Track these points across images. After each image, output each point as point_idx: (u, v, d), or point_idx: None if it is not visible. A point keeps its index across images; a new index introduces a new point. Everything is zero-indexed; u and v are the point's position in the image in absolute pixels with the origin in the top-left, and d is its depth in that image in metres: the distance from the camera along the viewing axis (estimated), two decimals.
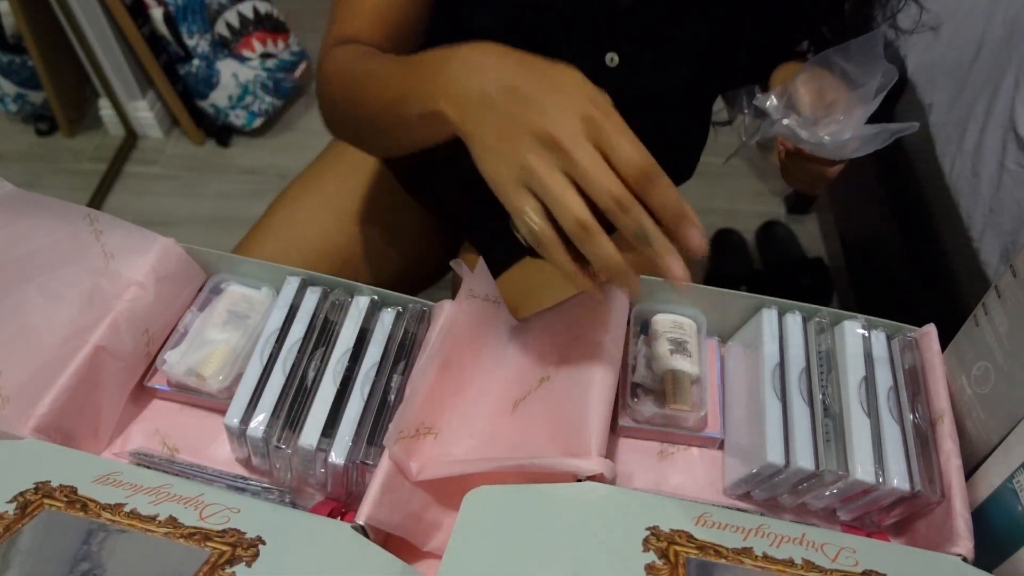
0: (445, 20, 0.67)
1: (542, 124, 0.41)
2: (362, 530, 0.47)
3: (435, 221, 0.91)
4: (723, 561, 0.44)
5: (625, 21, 0.65)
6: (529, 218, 0.42)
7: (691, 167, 0.90)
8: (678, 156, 0.85)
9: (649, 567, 0.42)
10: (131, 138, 1.87)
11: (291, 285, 0.61)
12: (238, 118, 1.83)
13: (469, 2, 0.66)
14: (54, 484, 0.46)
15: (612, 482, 0.49)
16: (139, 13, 1.65)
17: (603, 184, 0.40)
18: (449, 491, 0.52)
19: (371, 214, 0.86)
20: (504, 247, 0.84)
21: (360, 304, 0.60)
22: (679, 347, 0.59)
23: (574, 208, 0.41)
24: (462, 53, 0.47)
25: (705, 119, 0.85)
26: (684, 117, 0.75)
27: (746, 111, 0.69)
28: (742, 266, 1.61)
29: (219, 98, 1.80)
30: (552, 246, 0.42)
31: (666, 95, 0.69)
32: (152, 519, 0.44)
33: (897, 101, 1.35)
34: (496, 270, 0.61)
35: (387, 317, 0.59)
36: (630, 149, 0.41)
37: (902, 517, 0.53)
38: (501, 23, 0.66)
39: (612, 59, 0.66)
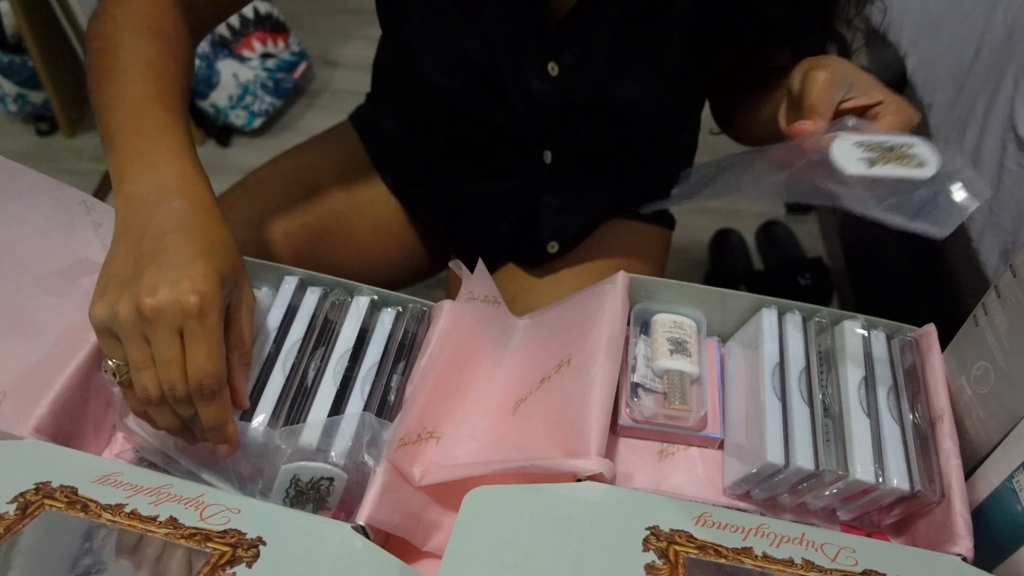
0: (390, 35, 0.69)
1: (148, 295, 0.44)
2: (362, 530, 0.47)
3: (418, 222, 0.91)
4: (723, 561, 0.44)
5: (560, 33, 0.65)
6: (111, 364, 0.47)
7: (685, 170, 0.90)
8: (661, 159, 0.85)
9: (649, 567, 0.42)
10: None
11: (290, 285, 0.61)
12: (238, 118, 1.84)
13: (410, 24, 0.67)
14: (54, 484, 0.46)
15: (612, 482, 0.49)
16: None
17: (168, 376, 0.45)
18: (449, 491, 0.52)
19: (344, 193, 0.87)
20: (491, 256, 0.85)
21: (360, 304, 0.60)
22: (679, 347, 0.59)
23: (146, 382, 0.46)
24: (165, 171, 0.49)
25: (687, 130, 0.86)
26: (651, 121, 0.75)
27: None
28: (742, 266, 1.61)
29: (219, 98, 1.80)
30: (129, 391, 0.48)
31: (620, 100, 0.69)
32: (153, 520, 0.44)
33: None
34: None
35: (387, 317, 0.59)
36: (201, 359, 0.45)
37: (902, 517, 0.53)
38: (446, 35, 0.67)
39: (553, 68, 0.67)
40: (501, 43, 0.66)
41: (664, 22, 0.64)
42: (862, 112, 0.53)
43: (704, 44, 0.66)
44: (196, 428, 0.49)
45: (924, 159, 0.47)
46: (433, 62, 0.69)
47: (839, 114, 0.52)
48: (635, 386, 0.59)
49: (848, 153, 0.47)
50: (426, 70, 0.70)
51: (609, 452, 0.54)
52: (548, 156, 0.75)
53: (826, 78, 0.52)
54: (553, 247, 0.83)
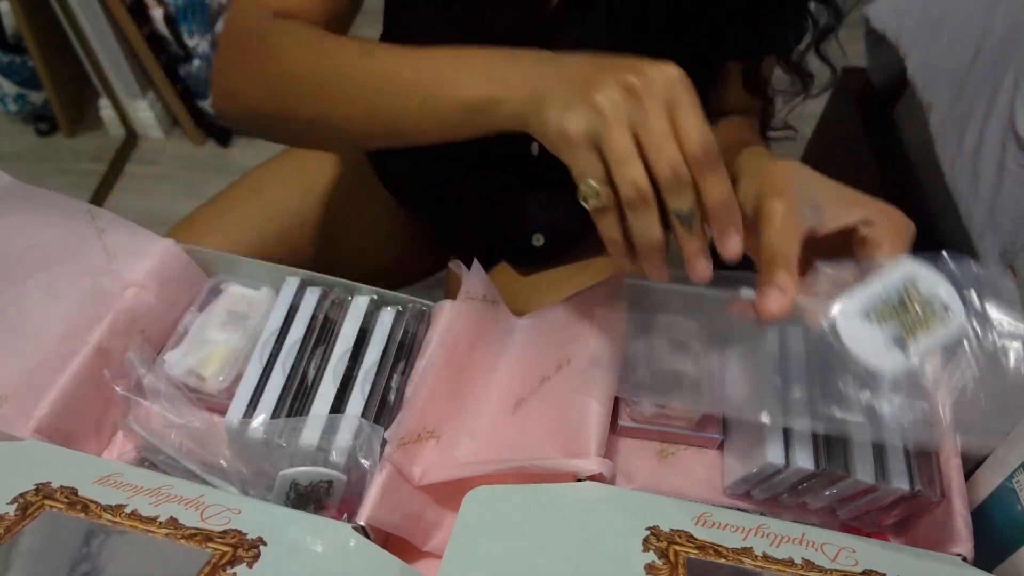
0: (387, 23, 0.67)
1: (627, 72, 0.40)
2: (362, 530, 0.47)
3: (416, 221, 0.91)
4: (723, 561, 0.44)
5: (551, 24, 0.65)
6: (592, 184, 0.42)
7: None
8: None
9: (649, 567, 0.42)
10: (131, 138, 1.87)
11: (290, 285, 0.61)
12: None
13: (403, 4, 0.67)
14: (55, 485, 0.46)
15: (612, 482, 0.49)
16: (139, 13, 1.65)
17: (669, 152, 0.40)
18: (449, 491, 0.52)
19: (342, 193, 0.87)
20: (485, 255, 0.84)
21: (360, 304, 0.60)
22: (679, 347, 0.59)
23: (636, 176, 0.40)
24: (529, 51, 0.46)
25: None
26: None
27: None
28: (742, 266, 1.61)
29: None
30: (607, 214, 0.43)
31: None
32: (153, 520, 0.44)
33: (897, 102, 1.35)
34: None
35: (387, 317, 0.59)
36: (699, 126, 0.40)
37: (902, 517, 0.53)
38: (434, 28, 0.67)
39: None
40: (499, 33, 0.66)
41: (646, 18, 0.64)
42: (842, 239, 0.45)
43: (678, 46, 0.66)
44: (692, 229, 0.43)
45: (943, 299, 0.40)
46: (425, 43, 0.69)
47: (812, 246, 0.45)
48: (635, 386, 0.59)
49: (865, 338, 0.39)
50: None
51: (609, 452, 0.54)
52: (535, 148, 0.75)
53: (781, 214, 0.44)
54: (538, 240, 0.82)
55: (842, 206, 0.45)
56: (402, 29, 0.71)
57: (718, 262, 0.46)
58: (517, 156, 0.76)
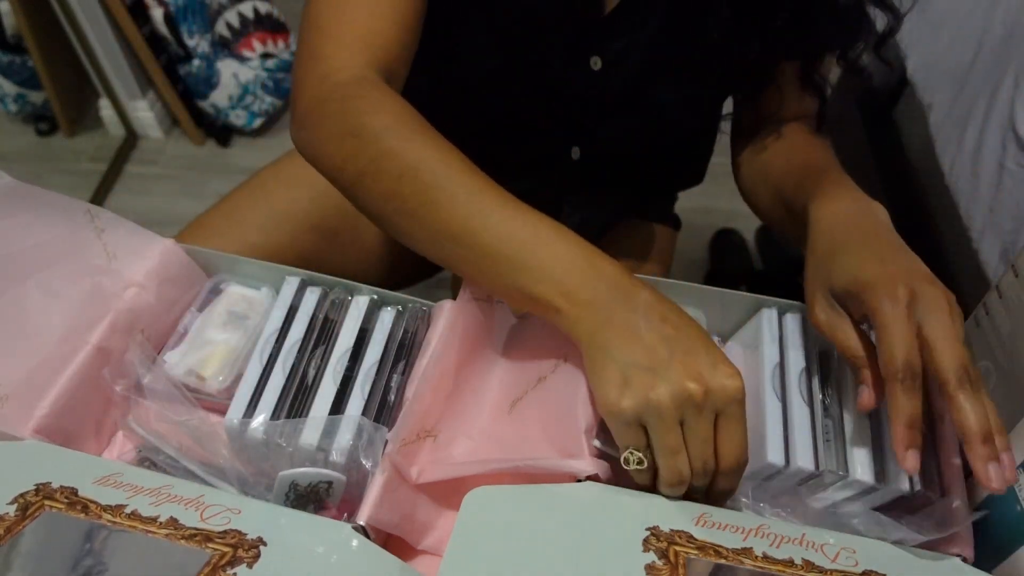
0: (431, 27, 0.65)
1: (690, 380, 0.43)
2: (362, 530, 0.47)
3: None
4: (723, 561, 0.44)
5: (607, 26, 0.65)
6: (636, 454, 0.46)
7: (699, 173, 0.90)
8: (682, 161, 0.85)
9: (649, 567, 0.42)
10: (131, 138, 1.88)
11: (290, 285, 0.61)
12: (238, 118, 1.84)
13: (456, 8, 0.66)
14: (55, 485, 0.46)
15: (607, 482, 0.49)
16: (139, 13, 1.65)
17: (705, 456, 0.45)
18: (449, 491, 0.52)
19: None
20: None
21: (360, 303, 0.60)
22: None
23: (682, 468, 0.45)
24: (609, 272, 0.47)
25: (710, 126, 0.86)
26: (684, 124, 0.75)
27: None
28: (742, 266, 1.61)
29: (219, 98, 1.80)
30: (645, 474, 0.47)
31: (657, 101, 0.69)
32: (153, 520, 0.44)
33: (897, 102, 1.35)
34: None
35: (387, 316, 0.59)
36: (740, 442, 0.45)
37: (902, 517, 0.53)
38: (487, 28, 0.67)
39: (596, 63, 0.67)
40: (547, 37, 0.66)
41: (705, 27, 0.64)
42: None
43: (739, 51, 0.66)
44: (700, 493, 0.48)
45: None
46: (477, 44, 0.68)
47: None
48: None
49: None
50: (469, 53, 0.69)
51: None
52: (576, 152, 0.75)
53: (825, 326, 0.51)
54: None
55: (854, 299, 0.50)
56: (449, 36, 0.69)
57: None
58: (557, 160, 0.76)
